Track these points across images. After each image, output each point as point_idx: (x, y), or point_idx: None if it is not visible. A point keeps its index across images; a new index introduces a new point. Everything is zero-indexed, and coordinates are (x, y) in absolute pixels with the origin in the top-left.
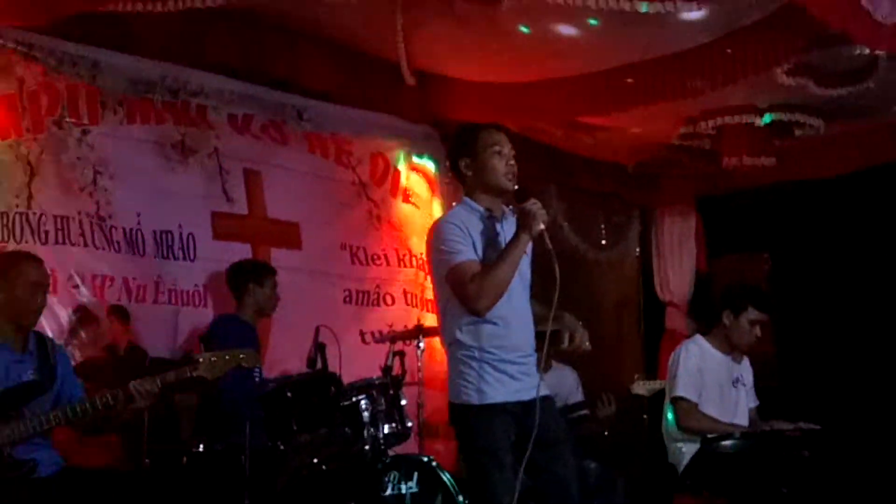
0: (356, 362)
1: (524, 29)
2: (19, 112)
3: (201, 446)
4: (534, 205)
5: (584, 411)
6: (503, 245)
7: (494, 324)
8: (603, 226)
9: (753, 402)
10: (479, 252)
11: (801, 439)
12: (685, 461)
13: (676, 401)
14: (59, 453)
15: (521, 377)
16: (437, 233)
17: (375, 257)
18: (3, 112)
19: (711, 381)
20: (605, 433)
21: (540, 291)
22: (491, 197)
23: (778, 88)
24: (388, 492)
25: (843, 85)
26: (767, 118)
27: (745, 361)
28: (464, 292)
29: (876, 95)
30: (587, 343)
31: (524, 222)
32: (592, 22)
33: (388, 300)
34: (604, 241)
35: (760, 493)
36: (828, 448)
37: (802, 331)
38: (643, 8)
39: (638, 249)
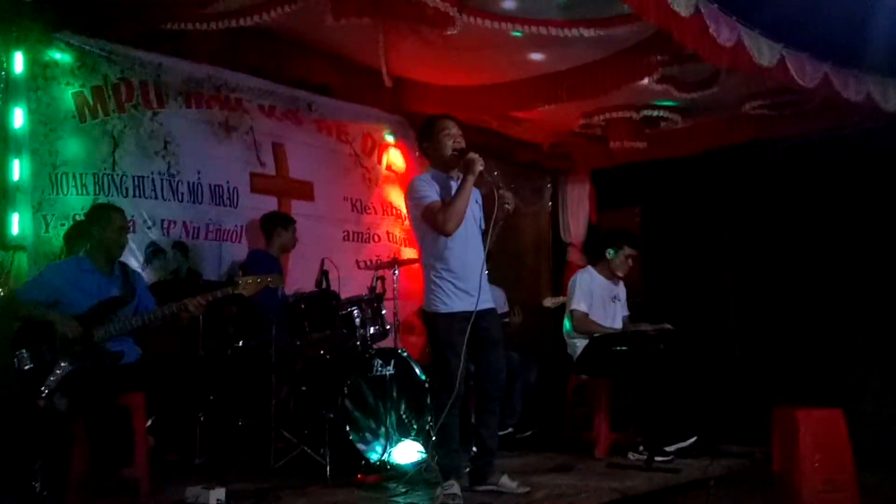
0: (353, 283)
1: (469, 46)
2: (105, 99)
3: (241, 342)
4: (472, 154)
5: (506, 319)
6: None
7: (456, 254)
8: (526, 187)
9: (625, 312)
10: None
11: (658, 337)
12: (578, 353)
13: (573, 311)
14: (139, 347)
15: (473, 293)
16: (411, 187)
17: (368, 208)
18: (95, 99)
19: (597, 298)
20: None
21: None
22: (446, 166)
23: (649, 92)
24: (373, 373)
25: (696, 90)
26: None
27: (621, 284)
28: (434, 221)
29: (719, 97)
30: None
31: (467, 167)
32: (516, 34)
33: (376, 238)
34: (527, 198)
35: (630, 374)
36: (677, 342)
37: (663, 262)
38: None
39: (550, 205)
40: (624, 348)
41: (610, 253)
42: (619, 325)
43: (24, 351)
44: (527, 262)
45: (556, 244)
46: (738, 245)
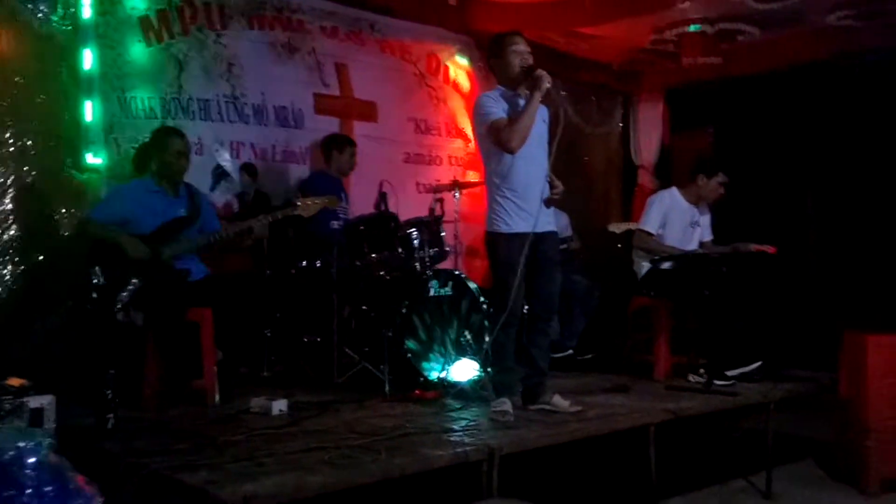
0: (413, 206)
1: None
2: (170, 22)
3: (304, 262)
4: (540, 71)
5: (565, 245)
6: None
7: (520, 173)
8: (595, 109)
9: (709, 237)
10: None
11: (720, 260)
12: (642, 273)
13: (638, 229)
14: (207, 266)
15: (535, 214)
16: (478, 103)
17: (433, 128)
18: (160, 22)
19: (675, 221)
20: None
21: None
22: (514, 83)
23: (724, 4)
24: (431, 293)
25: (774, 1)
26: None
27: (706, 209)
28: (499, 137)
29: (798, 9)
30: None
31: (534, 84)
32: None
33: (438, 161)
34: (596, 121)
35: (690, 294)
36: (744, 266)
37: (734, 183)
38: None
39: (620, 125)
40: (685, 269)
41: (702, 179)
42: (691, 248)
43: (97, 268)
44: (596, 185)
45: (626, 167)
46: (820, 167)
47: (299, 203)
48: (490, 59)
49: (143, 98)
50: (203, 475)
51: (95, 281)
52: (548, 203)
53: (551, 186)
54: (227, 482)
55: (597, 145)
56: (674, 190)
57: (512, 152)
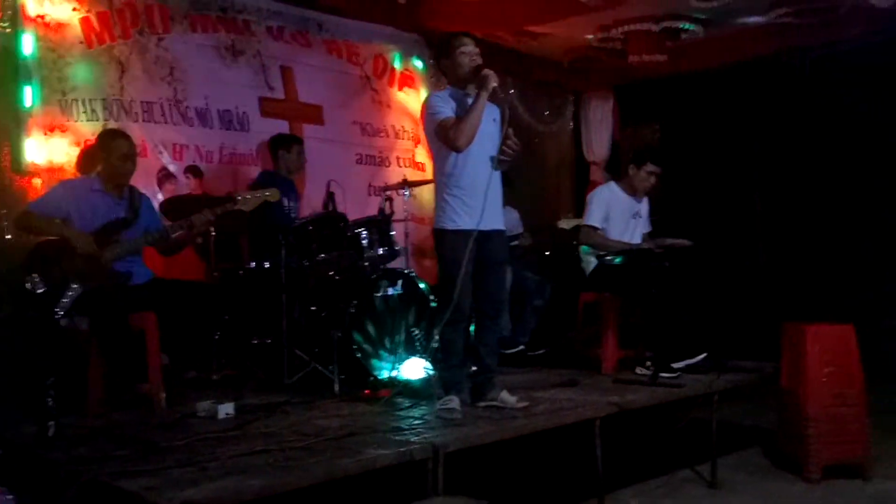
0: (368, 208)
1: None
2: (111, 25)
3: (253, 264)
4: (487, 71)
5: (516, 242)
6: None
7: (467, 171)
8: (547, 107)
9: (647, 229)
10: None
11: (664, 254)
12: (590, 269)
13: (585, 227)
14: (152, 269)
15: (481, 211)
16: (427, 103)
17: (380, 131)
18: (100, 25)
19: (617, 213)
20: (546, 253)
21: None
22: (463, 83)
23: (667, 2)
24: (380, 293)
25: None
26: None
27: (645, 200)
28: (447, 136)
29: (738, 7)
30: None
31: (481, 83)
32: None
33: (387, 163)
34: (547, 118)
35: (636, 291)
36: (686, 259)
37: (679, 178)
38: None
39: (571, 123)
40: (631, 265)
41: (633, 170)
42: (637, 241)
43: (35, 275)
44: (548, 182)
45: (579, 164)
46: (767, 162)
47: (239, 197)
48: (440, 60)
49: (84, 100)
50: (143, 481)
51: (35, 289)
52: (499, 162)
53: (504, 142)
54: (166, 488)
55: (549, 142)
56: (612, 184)
57: (459, 150)
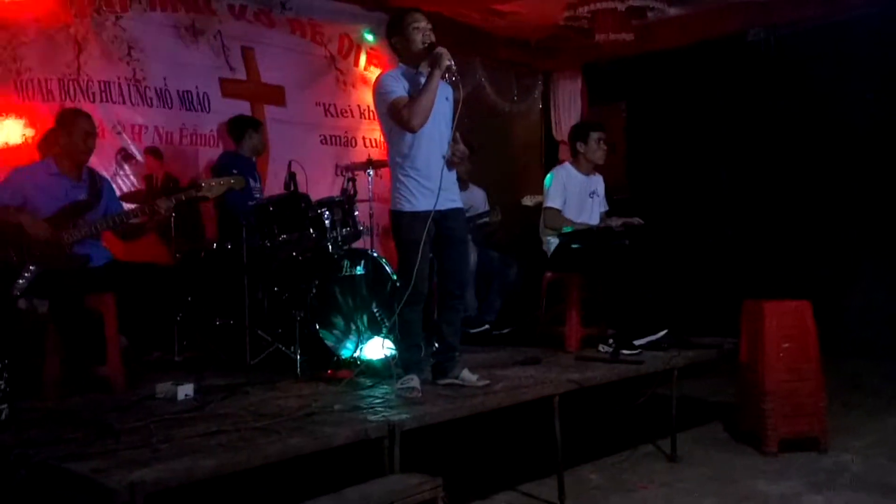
0: (335, 189)
1: None
2: (67, 3)
3: (214, 245)
4: (440, 48)
5: (486, 219)
6: None
7: (422, 152)
8: (515, 86)
9: (604, 208)
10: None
11: (624, 232)
12: (552, 250)
13: (545, 209)
14: (111, 251)
15: (437, 192)
16: (378, 82)
17: (344, 111)
18: (55, 4)
19: (574, 194)
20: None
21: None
22: (416, 61)
23: None
24: (343, 273)
25: None
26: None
27: (600, 178)
28: (400, 116)
29: None
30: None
31: (434, 62)
32: None
33: (353, 143)
34: (516, 98)
35: (596, 270)
36: (646, 237)
37: (646, 157)
38: None
39: (541, 103)
40: (590, 244)
41: (581, 146)
42: (595, 220)
43: None
44: (517, 161)
45: (548, 143)
46: (733, 140)
47: (203, 184)
48: (391, 38)
49: (40, 80)
50: (93, 463)
51: None
52: (449, 164)
53: (453, 146)
54: (115, 469)
55: (518, 122)
56: (566, 164)
57: (413, 131)
